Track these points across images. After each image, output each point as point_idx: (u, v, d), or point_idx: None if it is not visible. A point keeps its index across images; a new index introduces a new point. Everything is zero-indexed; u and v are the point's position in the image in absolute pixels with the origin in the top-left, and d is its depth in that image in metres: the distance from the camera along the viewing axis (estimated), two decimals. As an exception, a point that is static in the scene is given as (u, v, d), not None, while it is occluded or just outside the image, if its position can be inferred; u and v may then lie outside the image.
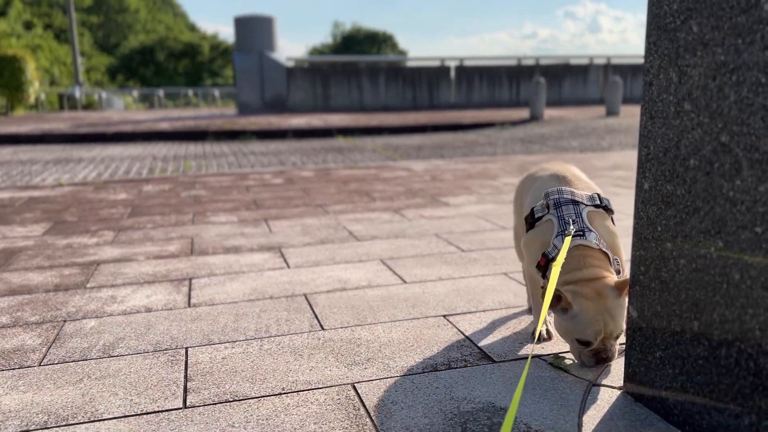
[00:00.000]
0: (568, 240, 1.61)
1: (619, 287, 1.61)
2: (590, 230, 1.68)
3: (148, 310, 2.27)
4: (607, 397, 1.57)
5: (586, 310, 1.58)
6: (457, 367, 1.75)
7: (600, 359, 1.65)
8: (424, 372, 1.72)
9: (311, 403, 1.56)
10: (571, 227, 1.66)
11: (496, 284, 2.46)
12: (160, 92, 36.49)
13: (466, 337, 1.95)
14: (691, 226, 1.34)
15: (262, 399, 1.59)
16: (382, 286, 2.47)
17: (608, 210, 1.77)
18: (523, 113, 16.33)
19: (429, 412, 1.52)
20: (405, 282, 2.51)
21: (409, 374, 1.71)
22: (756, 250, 1.18)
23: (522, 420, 1.47)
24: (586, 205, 1.73)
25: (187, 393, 1.63)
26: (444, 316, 2.13)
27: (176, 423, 1.48)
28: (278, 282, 2.55)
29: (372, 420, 1.48)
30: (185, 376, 1.72)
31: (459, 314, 2.14)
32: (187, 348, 1.92)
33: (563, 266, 1.61)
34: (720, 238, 1.26)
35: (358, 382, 1.67)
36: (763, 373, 1.18)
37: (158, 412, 1.54)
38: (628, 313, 1.55)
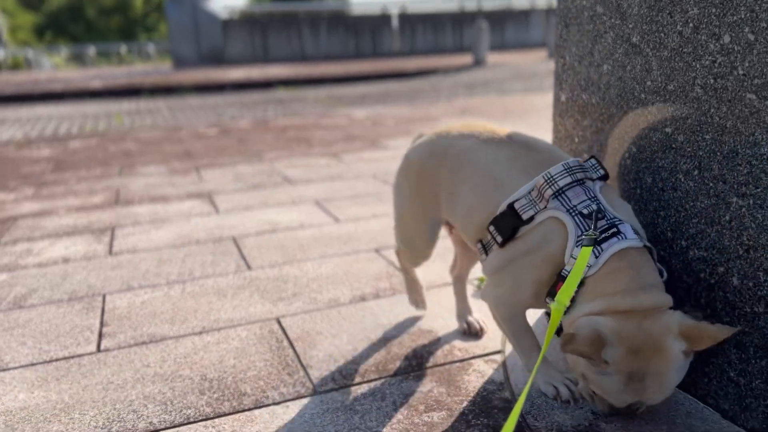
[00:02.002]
0: (586, 252, 1.03)
1: (687, 337, 0.99)
2: (621, 221, 1.07)
3: (66, 260, 2.15)
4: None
5: (624, 370, 0.99)
6: (385, 296, 1.72)
7: (618, 413, 1.13)
8: (351, 303, 1.69)
9: (232, 339, 1.51)
10: (594, 226, 1.06)
11: (429, 217, 2.44)
12: (92, 50, 34.68)
13: (397, 269, 1.92)
14: (606, 135, 1.32)
15: (180, 339, 1.53)
16: (315, 226, 2.41)
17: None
18: (467, 59, 16.25)
19: (353, 339, 1.49)
20: (338, 221, 2.46)
21: (336, 305, 1.68)
22: (666, 151, 1.16)
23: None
24: (594, 179, 1.12)
25: (102, 338, 1.55)
26: (376, 250, 2.10)
27: (88, 367, 1.41)
28: (206, 227, 2.46)
29: (294, 350, 1.44)
30: (101, 322, 1.64)
31: (391, 248, 2.10)
32: (104, 295, 1.83)
33: (598, 284, 1.04)
34: (633, 144, 1.25)
35: (283, 316, 1.63)
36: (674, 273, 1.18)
37: (69, 358, 1.46)
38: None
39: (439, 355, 1.40)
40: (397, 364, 1.37)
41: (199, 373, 1.37)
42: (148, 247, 2.25)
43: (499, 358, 1.38)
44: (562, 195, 1.09)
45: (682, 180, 1.13)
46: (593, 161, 1.15)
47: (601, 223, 1.06)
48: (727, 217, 1.05)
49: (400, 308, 1.64)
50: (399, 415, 1.19)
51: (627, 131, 1.25)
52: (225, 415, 1.21)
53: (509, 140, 1.21)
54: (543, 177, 1.10)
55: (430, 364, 1.37)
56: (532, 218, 1.10)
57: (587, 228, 1.06)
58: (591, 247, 1.03)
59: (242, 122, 6.01)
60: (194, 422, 1.19)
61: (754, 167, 0.99)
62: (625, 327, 0.99)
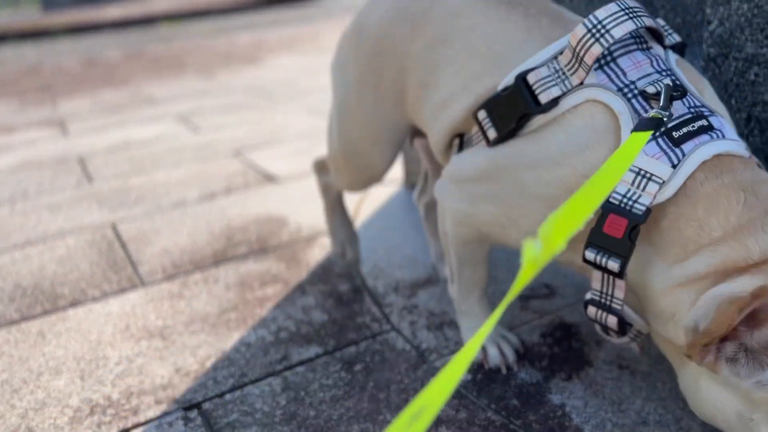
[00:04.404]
0: (638, 141, 0.57)
1: None
2: (711, 111, 0.65)
3: None
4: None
5: None
6: (237, 191, 1.61)
7: None
8: (199, 201, 1.57)
9: (58, 248, 1.37)
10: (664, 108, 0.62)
11: (297, 120, 2.32)
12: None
13: (254, 166, 1.81)
14: None
15: (-2, 254, 1.37)
16: (173, 138, 2.24)
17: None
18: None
19: (194, 232, 1.38)
20: (199, 131, 2.29)
21: (181, 205, 1.55)
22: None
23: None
24: (665, 46, 0.71)
25: None
26: (235, 153, 1.97)
27: None
28: (52, 150, 2.23)
29: (126, 251, 1.32)
30: None
31: (253, 149, 1.98)
32: None
33: (683, 221, 0.60)
34: None
35: (120, 221, 1.49)
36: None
37: None
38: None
39: (285, 237, 1.32)
40: (238, 249, 1.28)
41: (12, 282, 1.22)
42: (-19, 175, 2.02)
43: (346, 232, 1.32)
44: (612, 64, 0.65)
45: None
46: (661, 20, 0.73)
47: (680, 109, 0.63)
48: None
49: (252, 200, 1.54)
50: (230, 294, 1.11)
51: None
52: (34, 318, 1.08)
53: (526, 3, 0.76)
54: (583, 24, 0.65)
55: (273, 245, 1.28)
56: (555, 102, 0.66)
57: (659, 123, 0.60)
58: (648, 134, 0.57)
59: (113, 55, 5.55)
60: (-3, 329, 1.06)
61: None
62: None
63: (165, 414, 0.82)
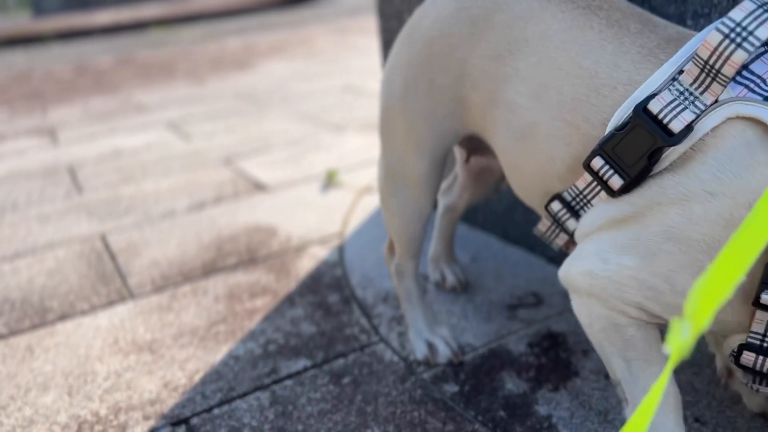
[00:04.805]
0: None
1: None
2: None
3: None
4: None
5: None
6: (226, 199, 1.61)
7: None
8: (188, 211, 1.57)
9: (48, 260, 1.36)
10: None
11: (286, 126, 2.32)
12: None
13: (244, 174, 1.81)
14: None
15: (-14, 267, 1.36)
16: (163, 146, 2.23)
17: None
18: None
19: (184, 243, 1.38)
20: (189, 139, 2.29)
21: (171, 215, 1.55)
22: None
23: (282, 232, 1.37)
24: None
25: None
26: (225, 161, 1.96)
27: None
28: (41, 160, 2.22)
29: (115, 262, 1.32)
30: None
31: (243, 157, 1.98)
32: None
33: None
34: None
35: (109, 232, 1.48)
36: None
37: None
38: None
39: (275, 247, 1.32)
40: (228, 260, 1.28)
41: (1, 296, 1.22)
42: (-31, 186, 2.01)
43: (337, 240, 1.32)
44: (745, 72, 0.55)
45: None
46: None
47: None
48: None
49: (242, 209, 1.54)
50: (219, 306, 1.11)
51: None
52: (22, 332, 1.08)
53: (607, 5, 0.66)
54: (717, 30, 0.55)
55: (263, 256, 1.29)
56: (690, 128, 0.55)
57: None
58: None
59: (103, 61, 5.54)
60: (-16, 345, 1.06)
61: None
62: None
63: (153, 430, 0.82)
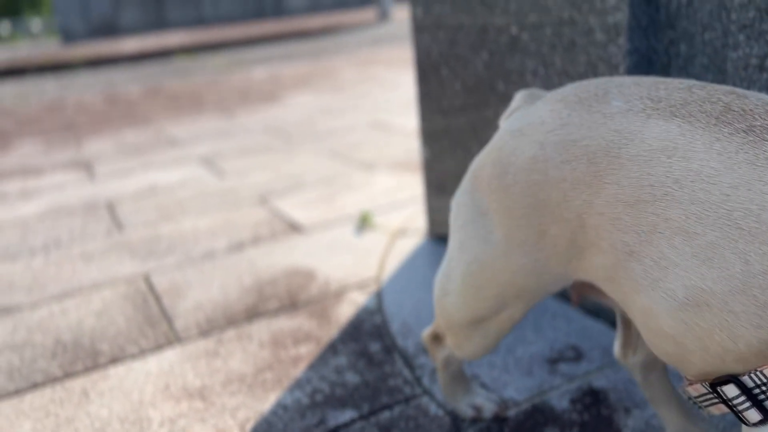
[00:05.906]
0: None
1: None
2: None
3: None
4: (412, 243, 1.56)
5: None
6: (264, 241, 1.66)
7: None
8: (227, 252, 1.62)
9: (94, 301, 1.41)
10: None
11: (317, 163, 2.38)
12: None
13: (279, 214, 1.86)
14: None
15: (37, 307, 1.41)
16: (197, 182, 2.30)
17: None
18: (371, 14, 16.05)
19: (225, 286, 1.42)
20: (223, 176, 2.35)
21: (211, 256, 1.60)
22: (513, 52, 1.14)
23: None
24: None
25: (-53, 316, 1.42)
26: (260, 199, 2.02)
27: (-74, 348, 1.28)
28: (80, 195, 2.29)
29: (160, 304, 1.36)
30: (-52, 301, 1.50)
31: (277, 196, 2.03)
32: (-44, 273, 1.67)
33: None
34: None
35: (153, 272, 1.53)
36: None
37: None
38: (422, 154, 1.52)
39: (314, 291, 1.36)
40: (269, 305, 1.32)
41: (53, 338, 1.26)
42: (13, 220, 2.08)
43: (374, 286, 1.36)
44: None
45: (530, 81, 1.11)
46: None
47: None
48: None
49: (280, 251, 1.58)
50: (264, 353, 1.14)
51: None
52: (76, 375, 1.12)
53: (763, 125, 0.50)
54: None
55: (303, 301, 1.32)
56: None
57: None
58: None
59: (132, 91, 5.68)
60: (41, 387, 1.10)
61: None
62: None
63: (209, 480, 0.85)
